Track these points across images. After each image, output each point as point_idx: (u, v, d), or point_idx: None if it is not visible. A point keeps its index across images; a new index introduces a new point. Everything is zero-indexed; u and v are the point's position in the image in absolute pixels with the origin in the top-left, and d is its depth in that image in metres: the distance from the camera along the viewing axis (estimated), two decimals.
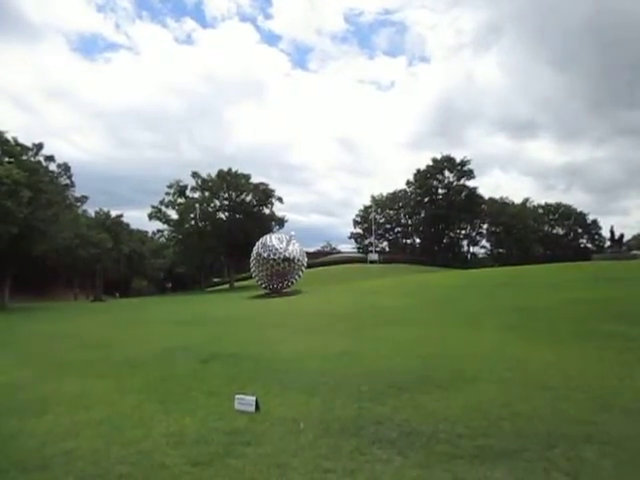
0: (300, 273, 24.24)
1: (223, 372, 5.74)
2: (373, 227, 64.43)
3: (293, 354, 6.63)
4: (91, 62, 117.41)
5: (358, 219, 79.85)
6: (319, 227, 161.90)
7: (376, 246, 74.00)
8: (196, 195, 46.81)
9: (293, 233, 24.12)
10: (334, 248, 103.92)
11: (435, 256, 62.35)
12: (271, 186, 46.54)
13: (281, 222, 46.60)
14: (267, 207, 46.53)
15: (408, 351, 6.58)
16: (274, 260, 22.44)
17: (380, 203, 76.76)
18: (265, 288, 24.27)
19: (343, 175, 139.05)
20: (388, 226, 76.55)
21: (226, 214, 46.19)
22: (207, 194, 45.67)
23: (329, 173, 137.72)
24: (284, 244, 23.26)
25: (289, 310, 14.30)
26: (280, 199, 46.42)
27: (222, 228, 43.54)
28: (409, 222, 75.42)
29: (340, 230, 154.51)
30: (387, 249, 79.87)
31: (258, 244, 23.59)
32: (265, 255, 22.54)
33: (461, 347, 6.79)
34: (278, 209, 45.90)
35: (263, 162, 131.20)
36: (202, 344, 8.00)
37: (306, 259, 24.81)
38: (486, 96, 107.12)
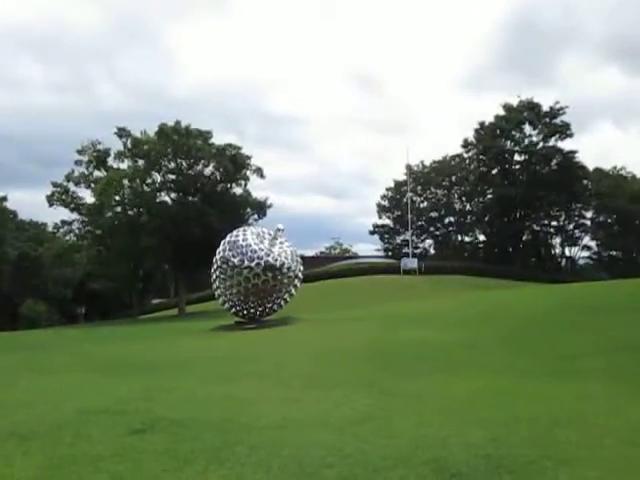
0: (292, 290, 24.53)
1: (167, 450, 5.78)
2: (410, 216, 64.57)
3: (280, 421, 6.68)
4: None
5: (385, 203, 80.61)
6: (322, 216, 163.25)
7: (414, 246, 74.73)
8: (124, 165, 47.44)
9: (281, 226, 24.18)
10: (347, 250, 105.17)
11: (509, 262, 62.58)
12: (245, 150, 47.26)
13: (261, 208, 47.18)
14: (239, 184, 47.00)
15: (464, 415, 6.62)
16: (250, 269, 22.56)
17: (421, 177, 77.29)
18: (236, 314, 24.58)
19: (360, 132, 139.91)
20: (434, 214, 77.26)
21: (172, 196, 46.72)
22: (141, 163, 46.12)
23: (338, 129, 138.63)
24: (266, 244, 23.42)
25: (274, 350, 14.45)
26: (259, 171, 47.02)
27: (166, 218, 44.05)
28: (467, 207, 75.92)
29: (356, 221, 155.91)
30: (432, 251, 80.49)
31: (225, 244, 23.72)
32: (236, 261, 22.65)
33: (548, 408, 6.83)
34: (256, 187, 46.94)
35: (231, 112, 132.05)
36: (135, 404, 8.07)
37: (301, 268, 24.93)
38: (591, 4, 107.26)
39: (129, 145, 46.65)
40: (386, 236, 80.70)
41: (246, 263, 22.55)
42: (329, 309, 31.90)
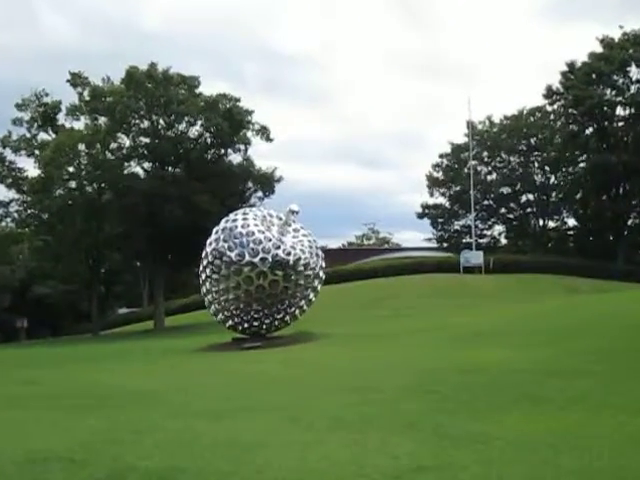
0: (311, 295, 24.79)
1: None
2: (472, 193, 64.31)
3: (297, 473, 6.70)
4: None
5: (438, 175, 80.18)
6: (351, 194, 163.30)
7: (479, 235, 74.36)
8: (79, 125, 47.81)
9: (295, 207, 24.22)
10: (386, 240, 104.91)
11: (608, 256, 61.87)
12: (244, 103, 47.71)
13: (268, 183, 47.27)
14: (236, 150, 47.08)
15: (548, 465, 6.57)
16: (253, 266, 22.68)
17: (487, 140, 76.79)
18: (234, 329, 24.94)
19: (404, 79, 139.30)
20: (506, 190, 76.64)
21: (146, 166, 47.03)
22: (104, 122, 46.37)
23: (372, 74, 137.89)
24: (275, 232, 23.56)
25: (286, 378, 14.57)
26: (264, 132, 47.11)
27: (137, 197, 44.46)
28: (551, 181, 75.17)
29: (398, 200, 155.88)
30: (503, 240, 79.97)
31: (218, 232, 23.93)
32: (234, 256, 22.81)
33: None
34: (261, 154, 46.79)
35: (225, 50, 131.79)
36: (98, 448, 8.16)
37: (323, 264, 24.97)
38: None
39: (86, 97, 46.92)
40: (440, 220, 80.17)
41: (247, 258, 22.67)
42: (362, 321, 31.92)
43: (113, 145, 46.50)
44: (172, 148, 45.53)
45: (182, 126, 46.26)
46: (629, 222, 66.15)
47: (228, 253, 22.90)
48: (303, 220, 25.36)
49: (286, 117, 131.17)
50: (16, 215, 49.41)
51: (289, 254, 22.88)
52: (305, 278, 23.78)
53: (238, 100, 46.60)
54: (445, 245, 77.92)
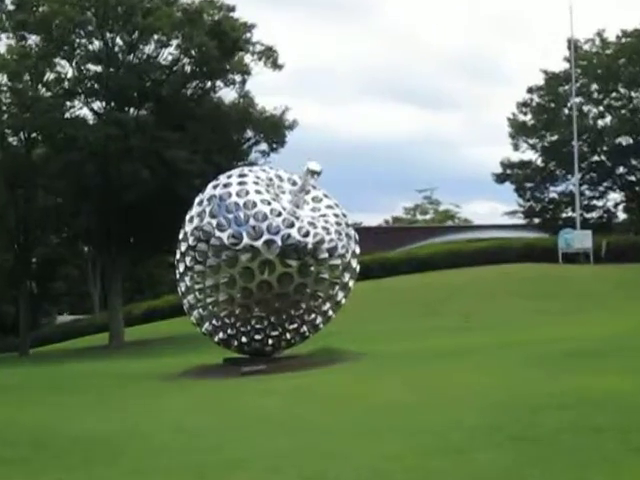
0: (339, 294, 24.70)
1: None
2: (576, 145, 63.83)
3: None
4: None
5: (526, 117, 79.67)
6: (396, 146, 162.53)
7: (586, 206, 73.69)
8: None
9: (315, 166, 23.98)
10: (449, 215, 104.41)
11: None
12: (240, 13, 47.86)
13: (275, 131, 47.19)
14: (229, 83, 47.05)
15: None
16: (254, 252, 22.60)
17: (598, 67, 76.16)
18: (226, 345, 25.04)
19: None
20: (624, 141, 76.08)
21: (97, 106, 47.23)
22: (35, 42, 46.45)
23: None
24: (286, 201, 23.59)
25: (302, 417, 14.51)
26: (270, 55, 46.99)
27: (85, 151, 44.82)
28: None
29: (465, 156, 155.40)
30: (621, 215, 79.29)
31: (203, 202, 23.96)
32: (225, 237, 22.72)
33: None
34: (265, 90, 45.75)
35: None
36: None
37: (357, 250, 24.92)
38: None
39: (9, 5, 47.03)
40: (528, 186, 79.75)
41: (246, 241, 22.54)
42: (413, 333, 31.86)
43: (49, 76, 46.54)
44: (135, 80, 45.40)
45: (149, 48, 46.25)
46: None
47: (217, 234, 22.68)
48: (327, 185, 25.23)
49: (302, 35, 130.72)
50: None
51: (307, 235, 22.60)
52: (331, 270, 23.47)
53: (232, 9, 46.53)
54: (536, 222, 77.57)
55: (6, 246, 49.97)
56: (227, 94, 47.20)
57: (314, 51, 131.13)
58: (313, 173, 23.87)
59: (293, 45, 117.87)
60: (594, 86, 76.40)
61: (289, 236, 22.29)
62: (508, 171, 79.44)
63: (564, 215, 73.64)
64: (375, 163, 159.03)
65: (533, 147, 78.58)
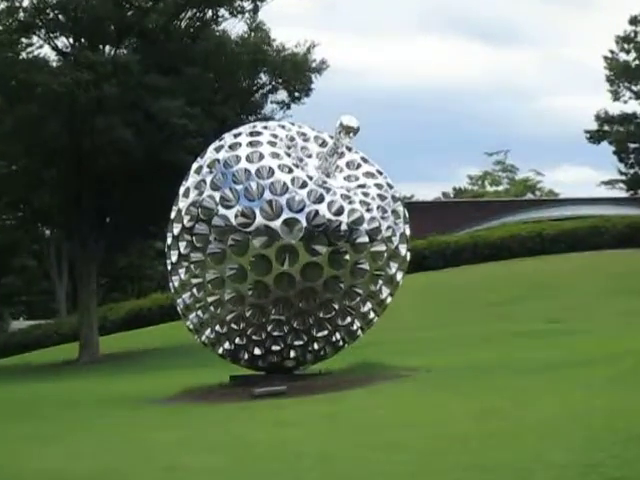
0: (382, 291, 24.83)
1: None
2: None
3: None
4: None
5: (628, 57, 79.65)
6: (456, 96, 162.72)
7: None
8: None
9: (352, 122, 23.93)
10: (529, 184, 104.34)
11: None
12: None
13: (297, 74, 47.23)
14: (234, 11, 47.11)
15: None
16: (271, 235, 22.59)
17: None
18: (232, 359, 25.18)
19: None
20: None
21: (62, 44, 47.72)
22: None
23: None
24: (312, 170, 23.64)
25: (336, 454, 14.41)
26: None
27: (44, 104, 45.16)
28: None
29: (546, 107, 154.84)
30: None
31: (203, 169, 24.05)
32: (232, 215, 22.75)
33: None
34: (284, 21, 45.70)
35: None
36: None
37: (408, 232, 24.95)
38: None
39: None
40: (632, 147, 79.91)
41: (259, 220, 22.68)
42: (481, 341, 31.96)
43: (16, 18, 46.79)
44: (111, 9, 45.48)
45: None
46: None
47: (222, 211, 22.83)
48: (367, 147, 25.28)
49: None
50: None
51: (340, 212, 22.73)
52: (372, 259, 23.50)
53: None
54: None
55: None
56: (234, 26, 47.20)
57: None
58: (348, 130, 23.69)
59: None
60: None
61: (317, 214, 22.34)
62: (605, 127, 79.52)
63: None
64: (429, 119, 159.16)
65: (638, 96, 78.46)
